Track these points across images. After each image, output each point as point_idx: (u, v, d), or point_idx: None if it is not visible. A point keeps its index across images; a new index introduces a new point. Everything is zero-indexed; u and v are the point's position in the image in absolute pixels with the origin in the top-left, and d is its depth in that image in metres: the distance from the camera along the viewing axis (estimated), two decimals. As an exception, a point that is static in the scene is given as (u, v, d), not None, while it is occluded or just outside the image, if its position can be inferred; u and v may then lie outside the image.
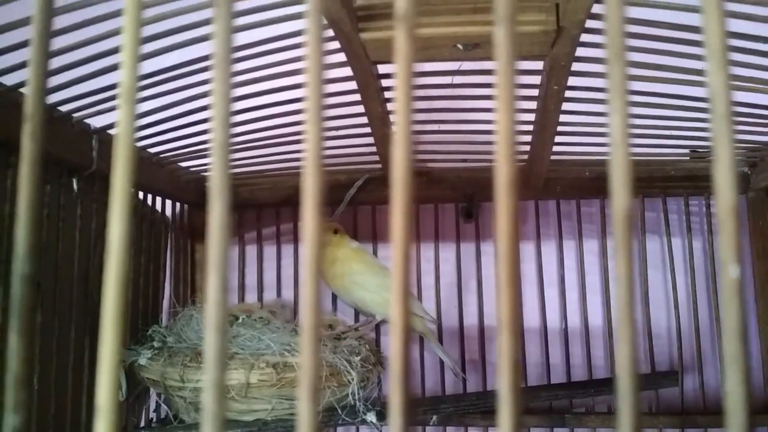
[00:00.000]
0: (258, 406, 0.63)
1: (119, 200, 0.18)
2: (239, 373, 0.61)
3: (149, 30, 0.48)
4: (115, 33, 0.49)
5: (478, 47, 0.52)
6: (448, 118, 0.73)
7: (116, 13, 0.47)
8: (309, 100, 0.18)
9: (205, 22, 0.50)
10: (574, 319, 0.87)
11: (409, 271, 0.17)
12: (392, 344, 0.16)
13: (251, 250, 0.94)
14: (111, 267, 0.18)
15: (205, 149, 0.75)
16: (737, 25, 0.48)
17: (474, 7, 0.50)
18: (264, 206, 0.94)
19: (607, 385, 0.82)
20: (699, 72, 0.56)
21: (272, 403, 0.63)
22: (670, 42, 0.52)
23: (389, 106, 0.66)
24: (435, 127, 0.76)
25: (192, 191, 0.88)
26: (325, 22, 0.49)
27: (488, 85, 0.62)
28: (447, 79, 0.64)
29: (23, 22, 0.44)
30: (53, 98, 0.55)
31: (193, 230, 0.92)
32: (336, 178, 0.89)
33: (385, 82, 0.62)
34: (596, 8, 0.52)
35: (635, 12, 0.48)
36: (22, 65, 0.49)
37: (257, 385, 0.61)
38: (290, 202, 0.92)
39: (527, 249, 0.90)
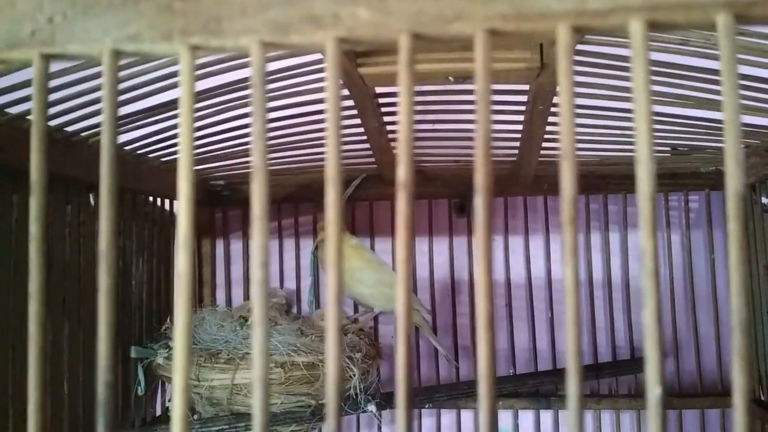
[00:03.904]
0: (268, 401, 0.68)
1: (185, 218, 0.22)
2: (251, 372, 0.66)
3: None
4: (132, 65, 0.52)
5: (469, 79, 0.56)
6: (443, 118, 0.77)
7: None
8: (329, 130, 0.22)
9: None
10: (559, 309, 0.93)
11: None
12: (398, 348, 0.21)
13: (255, 244, 0.99)
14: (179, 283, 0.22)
15: (210, 156, 0.79)
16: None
17: (465, 44, 0.54)
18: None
19: (590, 370, 0.88)
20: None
21: (281, 398, 0.68)
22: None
23: (385, 119, 0.71)
24: (430, 126, 0.80)
25: (197, 191, 0.92)
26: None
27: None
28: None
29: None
30: (73, 127, 0.59)
31: (199, 227, 0.97)
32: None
33: (380, 99, 0.66)
34: (579, 46, 0.56)
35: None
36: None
37: (267, 383, 0.67)
38: (292, 198, 0.96)
39: (516, 242, 0.95)
